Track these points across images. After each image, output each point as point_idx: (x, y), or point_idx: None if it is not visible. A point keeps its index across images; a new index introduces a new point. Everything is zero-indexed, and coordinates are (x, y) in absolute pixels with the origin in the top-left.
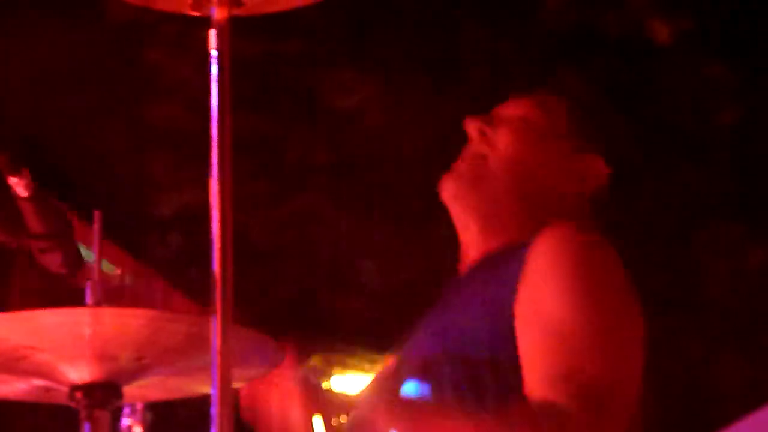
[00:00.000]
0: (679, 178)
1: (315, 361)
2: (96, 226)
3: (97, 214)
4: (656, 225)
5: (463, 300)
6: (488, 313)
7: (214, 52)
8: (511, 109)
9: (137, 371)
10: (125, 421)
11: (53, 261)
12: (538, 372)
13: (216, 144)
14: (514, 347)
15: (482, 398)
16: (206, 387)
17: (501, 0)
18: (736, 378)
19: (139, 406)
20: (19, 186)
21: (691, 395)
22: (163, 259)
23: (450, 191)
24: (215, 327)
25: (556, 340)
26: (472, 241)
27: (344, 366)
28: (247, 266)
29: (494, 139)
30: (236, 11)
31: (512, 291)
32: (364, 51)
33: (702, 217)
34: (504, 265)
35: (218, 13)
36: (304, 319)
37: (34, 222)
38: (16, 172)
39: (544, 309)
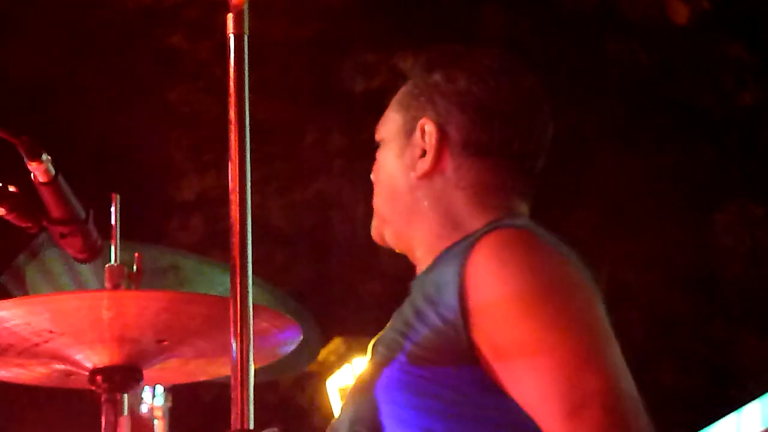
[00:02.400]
0: (699, 159)
1: (335, 344)
2: (114, 209)
3: (114, 197)
4: (676, 206)
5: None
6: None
7: (231, 36)
8: None
9: (157, 354)
10: (146, 404)
11: (74, 245)
12: (551, 411)
13: (233, 127)
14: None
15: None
16: (226, 369)
17: None
18: (756, 357)
19: (160, 389)
20: (38, 171)
21: (714, 373)
22: (186, 243)
23: None
24: (234, 309)
25: (558, 372)
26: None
27: (365, 349)
28: (267, 249)
29: None
30: None
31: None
32: (381, 34)
33: (722, 198)
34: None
35: None
36: (324, 302)
37: (54, 207)
38: (36, 158)
39: (526, 348)
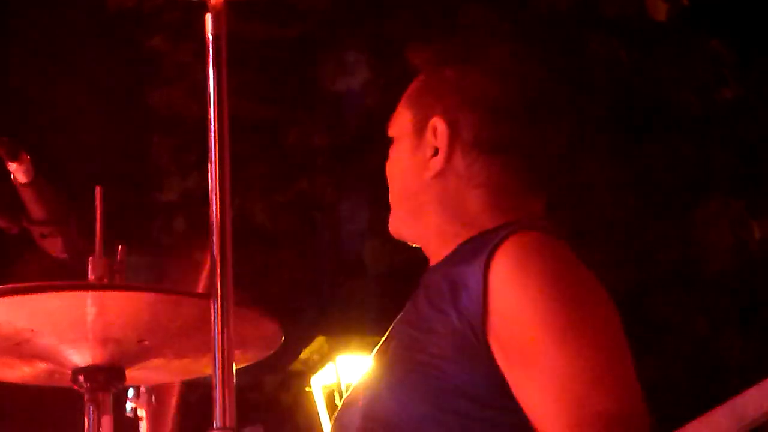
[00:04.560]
0: (680, 155)
1: (319, 342)
2: (97, 202)
3: (98, 190)
4: (658, 203)
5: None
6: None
7: (210, 37)
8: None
9: (140, 354)
10: (129, 404)
11: (54, 246)
12: (555, 425)
13: (213, 128)
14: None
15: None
16: (209, 369)
17: None
18: (737, 353)
19: (143, 388)
20: (18, 172)
21: (697, 370)
22: (164, 246)
23: None
24: (215, 309)
25: (570, 386)
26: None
27: (348, 347)
28: (249, 249)
29: None
30: None
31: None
32: (362, 33)
33: (704, 194)
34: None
35: None
36: (307, 301)
37: (34, 207)
38: (15, 158)
39: (539, 358)
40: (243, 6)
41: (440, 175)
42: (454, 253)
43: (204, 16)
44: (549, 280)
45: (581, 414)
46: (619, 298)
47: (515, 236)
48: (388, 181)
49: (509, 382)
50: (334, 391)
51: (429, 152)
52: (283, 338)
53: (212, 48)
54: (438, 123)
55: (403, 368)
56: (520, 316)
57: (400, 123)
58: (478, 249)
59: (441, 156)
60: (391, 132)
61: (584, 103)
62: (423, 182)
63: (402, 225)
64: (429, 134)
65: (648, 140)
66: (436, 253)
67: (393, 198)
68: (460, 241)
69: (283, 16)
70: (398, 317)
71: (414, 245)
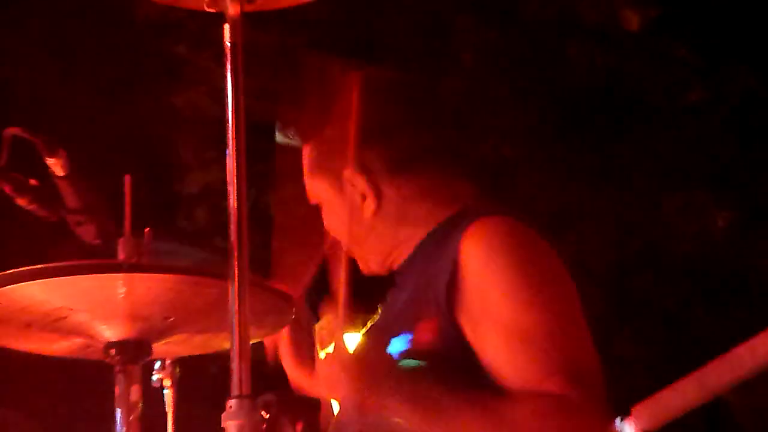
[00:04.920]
0: (652, 151)
1: (327, 319)
2: (126, 189)
3: (127, 178)
4: (631, 195)
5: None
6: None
7: (228, 45)
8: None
9: (165, 329)
10: (156, 376)
11: (88, 232)
12: (526, 377)
13: (231, 127)
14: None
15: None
16: (227, 343)
17: None
18: (702, 327)
19: (168, 361)
20: (56, 166)
21: (669, 347)
22: (187, 233)
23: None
24: (233, 289)
25: (527, 343)
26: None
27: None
28: (263, 235)
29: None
30: (248, 8)
31: (448, 298)
32: (363, 44)
33: (672, 185)
34: (431, 265)
35: (231, 10)
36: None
37: (70, 198)
38: (53, 154)
39: (505, 315)
40: (256, 16)
41: (378, 210)
42: (418, 249)
43: (222, 26)
44: (514, 259)
45: (545, 366)
46: (599, 277)
47: (478, 221)
48: (339, 238)
49: (476, 347)
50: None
51: (359, 200)
52: (293, 315)
53: (230, 54)
54: (350, 175)
55: (396, 344)
56: (490, 294)
57: (319, 191)
58: (445, 238)
59: (370, 198)
60: (314, 201)
61: (564, 105)
62: (367, 223)
63: (370, 263)
64: (349, 188)
65: (624, 138)
66: (399, 260)
67: (352, 248)
68: (417, 241)
69: (292, 26)
70: (377, 318)
71: (386, 273)
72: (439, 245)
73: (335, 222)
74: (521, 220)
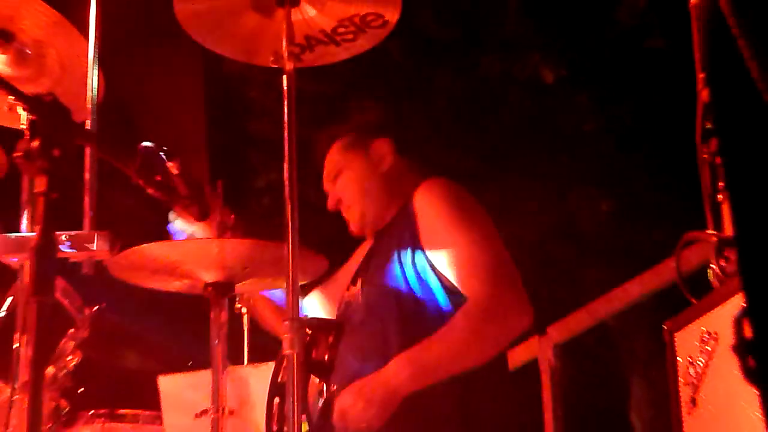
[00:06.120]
0: (562, 162)
1: None
2: (219, 190)
3: (219, 183)
4: (546, 188)
5: (386, 248)
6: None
7: (285, 89)
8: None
9: (243, 275)
10: (237, 305)
11: (193, 212)
12: (463, 280)
13: (287, 145)
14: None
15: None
16: (283, 284)
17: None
18: (601, 284)
19: (246, 295)
20: (173, 168)
21: (567, 291)
22: (258, 214)
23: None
24: (288, 250)
25: (459, 251)
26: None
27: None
28: (309, 216)
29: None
30: (299, 65)
31: (413, 235)
32: (380, 85)
33: (572, 184)
34: (403, 220)
35: (287, 66)
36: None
37: (181, 188)
38: (171, 159)
39: (441, 235)
40: (305, 70)
41: (388, 170)
42: (398, 213)
43: (281, 77)
44: (451, 203)
45: (474, 271)
46: (526, 249)
47: (424, 182)
48: (346, 197)
49: (434, 263)
50: None
51: (379, 159)
52: (326, 266)
53: (287, 96)
54: (380, 142)
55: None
56: (430, 219)
57: (347, 161)
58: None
59: (388, 157)
60: (335, 172)
61: (508, 130)
62: (380, 174)
63: (366, 217)
64: (374, 150)
65: (544, 153)
66: (380, 225)
67: (356, 201)
68: (394, 212)
69: (325, 76)
70: (365, 266)
71: (368, 236)
72: (405, 209)
73: (353, 183)
74: (452, 180)
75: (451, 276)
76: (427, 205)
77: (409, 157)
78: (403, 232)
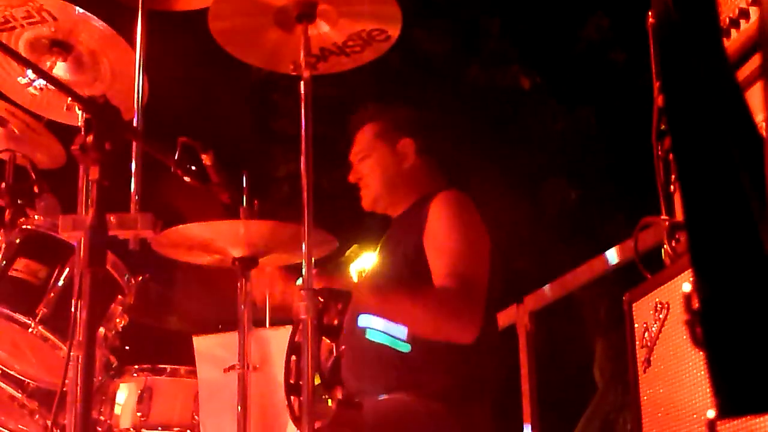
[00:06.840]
0: (535, 156)
1: (354, 249)
2: (245, 179)
3: (244, 173)
4: (521, 179)
5: (399, 233)
6: (411, 243)
7: (303, 94)
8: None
9: (266, 251)
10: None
11: (224, 196)
12: (440, 272)
13: (305, 140)
14: (425, 261)
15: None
16: (300, 258)
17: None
18: (567, 257)
19: (268, 268)
20: (207, 159)
21: (541, 267)
22: (278, 199)
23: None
24: (304, 231)
25: (448, 254)
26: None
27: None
28: (322, 202)
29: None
30: (315, 72)
31: (421, 230)
32: (385, 90)
33: (545, 174)
34: (416, 215)
35: (305, 73)
36: (353, 227)
37: (214, 177)
38: (205, 152)
39: (440, 238)
40: (319, 76)
41: (409, 168)
42: (413, 207)
43: (300, 82)
44: (456, 212)
45: (452, 271)
46: (505, 226)
47: (442, 192)
48: (368, 178)
49: (428, 255)
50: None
51: (403, 156)
52: (336, 245)
53: (304, 98)
54: (406, 141)
55: (400, 259)
56: (437, 223)
57: (376, 148)
58: (425, 202)
59: (411, 156)
60: (363, 155)
61: (492, 129)
62: (401, 169)
63: (379, 200)
64: (400, 147)
65: (521, 149)
66: (398, 209)
67: (375, 185)
68: (413, 200)
69: (330, 81)
70: (383, 245)
71: (380, 212)
72: (421, 208)
73: (376, 169)
74: (465, 193)
75: (435, 268)
76: (438, 211)
77: (429, 159)
78: (413, 226)
